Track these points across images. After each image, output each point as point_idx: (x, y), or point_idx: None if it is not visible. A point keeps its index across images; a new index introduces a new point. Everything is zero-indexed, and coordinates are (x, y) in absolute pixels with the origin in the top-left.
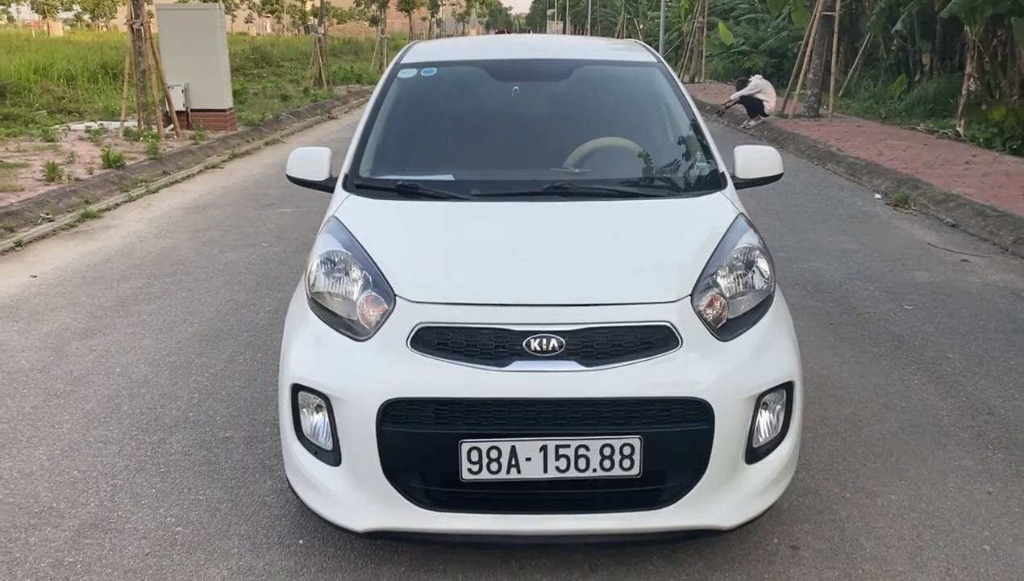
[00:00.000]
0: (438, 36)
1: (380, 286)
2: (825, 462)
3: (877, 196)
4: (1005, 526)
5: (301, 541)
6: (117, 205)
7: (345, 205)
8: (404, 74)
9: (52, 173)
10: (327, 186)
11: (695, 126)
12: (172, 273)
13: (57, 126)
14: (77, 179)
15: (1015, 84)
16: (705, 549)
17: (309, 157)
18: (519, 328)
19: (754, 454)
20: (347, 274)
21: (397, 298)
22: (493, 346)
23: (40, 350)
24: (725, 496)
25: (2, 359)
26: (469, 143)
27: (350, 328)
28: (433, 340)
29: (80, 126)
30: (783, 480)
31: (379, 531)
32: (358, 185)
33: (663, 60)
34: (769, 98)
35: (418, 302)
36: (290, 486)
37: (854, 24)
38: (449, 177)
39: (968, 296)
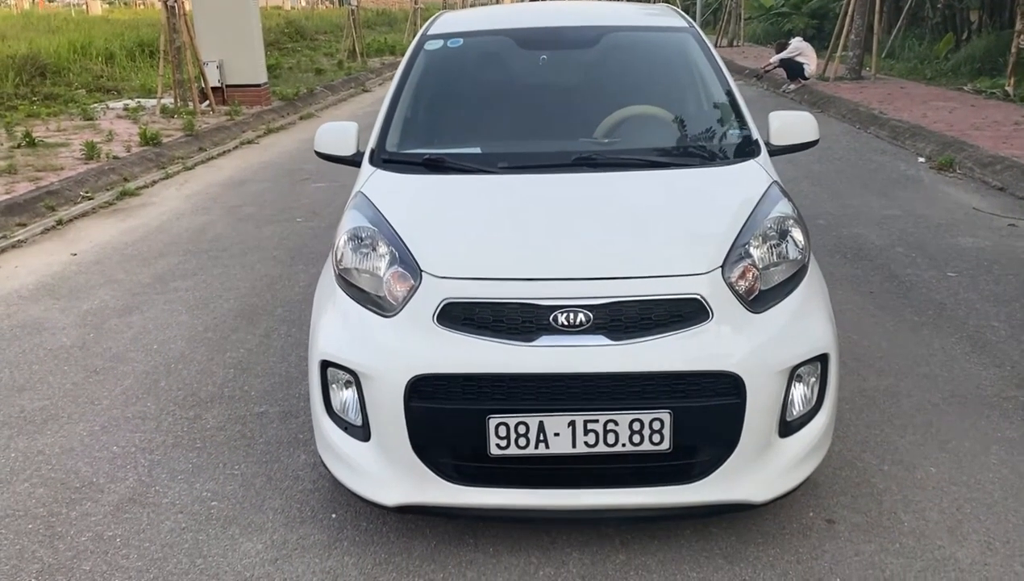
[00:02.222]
0: (472, 5)
1: (406, 262)
2: (863, 434)
3: (921, 160)
4: None
5: (334, 515)
6: (154, 182)
7: (372, 180)
8: (431, 46)
9: (91, 152)
10: (354, 161)
11: (728, 92)
12: (208, 249)
13: (96, 104)
14: (115, 157)
15: None
16: (738, 523)
17: (336, 132)
18: (546, 303)
19: (788, 428)
20: (374, 250)
21: (423, 273)
22: (520, 321)
23: (80, 327)
24: (758, 470)
25: (44, 337)
26: (496, 115)
27: (377, 304)
28: (460, 315)
29: (118, 104)
30: (817, 454)
31: (409, 506)
32: (385, 160)
33: (695, 25)
34: (809, 61)
35: (444, 277)
36: (322, 462)
37: None
38: (476, 150)
39: (1015, 262)
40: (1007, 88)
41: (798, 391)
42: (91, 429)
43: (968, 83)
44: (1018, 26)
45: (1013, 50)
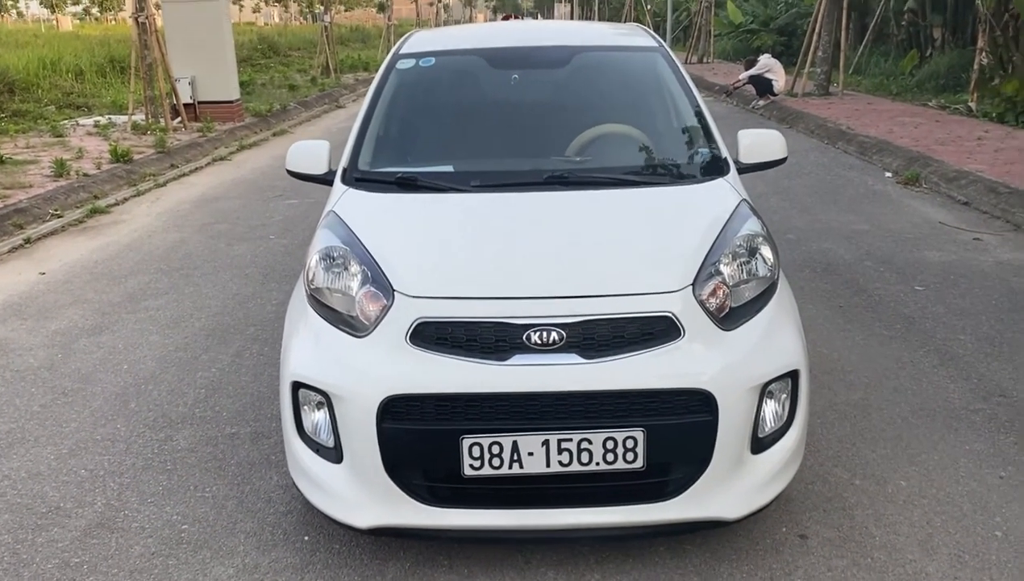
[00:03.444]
0: (445, 22)
1: (379, 281)
2: (834, 448)
3: (888, 175)
4: (1017, 511)
5: (307, 537)
6: (125, 200)
7: (344, 199)
8: (402, 65)
9: (60, 169)
10: (326, 180)
11: (697, 111)
12: (180, 267)
13: (65, 121)
14: (85, 174)
15: None
16: (712, 540)
17: (308, 151)
18: (519, 321)
19: (760, 444)
20: (346, 269)
21: (396, 293)
22: (493, 340)
23: (48, 348)
24: (731, 487)
25: (11, 358)
26: (469, 133)
27: (349, 324)
28: (433, 335)
29: (88, 121)
30: (790, 470)
31: (383, 528)
32: (357, 178)
33: (664, 44)
34: (778, 77)
35: (417, 297)
36: (294, 483)
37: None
38: (449, 168)
39: (980, 275)
40: (970, 104)
41: (769, 408)
42: (58, 452)
43: (932, 99)
44: (980, 44)
45: (975, 67)
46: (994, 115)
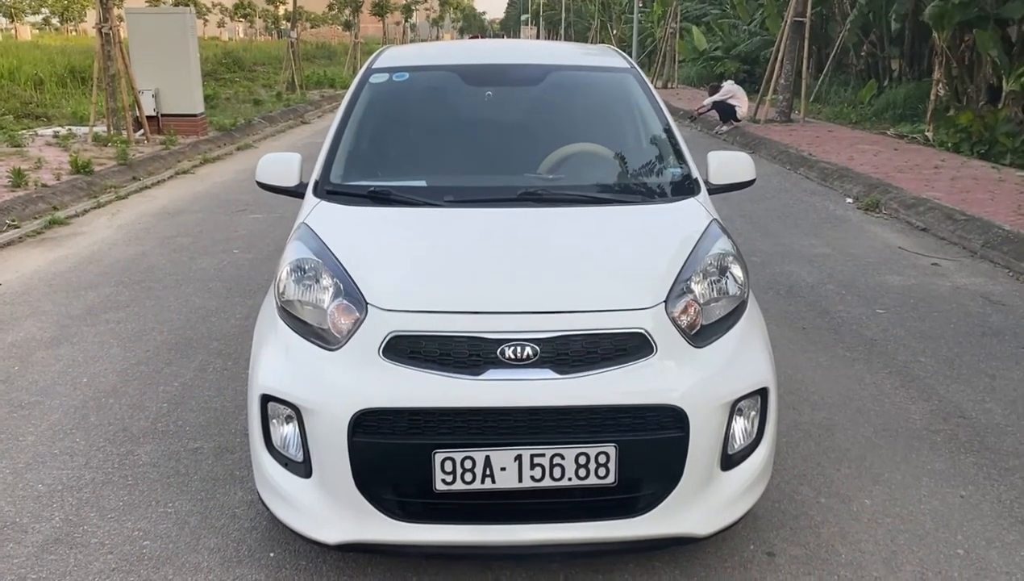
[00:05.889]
0: (412, 41)
1: (351, 294)
2: (800, 467)
3: (848, 200)
4: (978, 529)
5: (272, 554)
6: (85, 211)
7: (315, 211)
8: (376, 79)
9: (18, 179)
10: (297, 192)
11: (668, 132)
12: (141, 281)
13: (24, 131)
14: (44, 185)
15: (982, 90)
16: (681, 557)
17: (279, 163)
18: (493, 336)
19: (729, 461)
20: (317, 282)
21: (369, 306)
22: (467, 354)
23: (4, 360)
24: (700, 503)
25: None
26: (442, 149)
27: (321, 337)
28: (406, 349)
29: (48, 131)
30: (758, 487)
31: (351, 544)
32: (329, 191)
33: (636, 65)
34: (741, 103)
35: (390, 310)
36: (260, 498)
37: (825, 30)
38: (421, 183)
39: (939, 299)
40: (927, 133)
41: (739, 425)
42: (14, 466)
43: (890, 128)
44: (936, 76)
45: (932, 98)
46: (950, 145)
